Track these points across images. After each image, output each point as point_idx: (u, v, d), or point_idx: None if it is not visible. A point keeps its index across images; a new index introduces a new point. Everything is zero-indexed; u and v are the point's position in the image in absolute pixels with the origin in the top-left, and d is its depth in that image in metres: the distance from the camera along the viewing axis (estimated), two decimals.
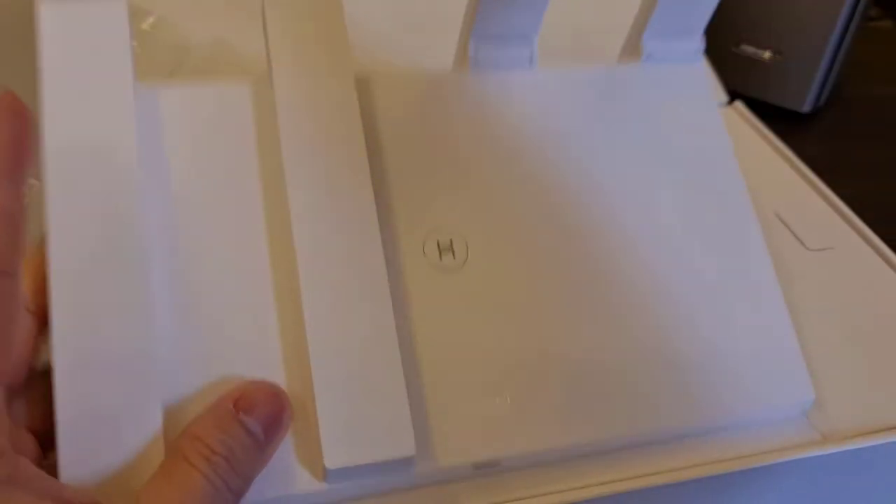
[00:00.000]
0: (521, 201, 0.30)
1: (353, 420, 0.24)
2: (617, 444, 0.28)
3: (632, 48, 0.34)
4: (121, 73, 0.26)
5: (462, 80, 0.31)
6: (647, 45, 0.33)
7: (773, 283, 0.31)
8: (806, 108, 0.60)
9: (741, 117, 0.48)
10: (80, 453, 0.23)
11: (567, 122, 0.32)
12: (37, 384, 0.24)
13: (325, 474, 0.24)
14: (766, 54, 0.60)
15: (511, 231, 0.29)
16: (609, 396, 0.28)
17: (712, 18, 0.61)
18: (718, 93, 0.49)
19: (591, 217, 0.30)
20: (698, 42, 0.34)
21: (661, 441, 0.28)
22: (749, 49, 0.60)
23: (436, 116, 0.31)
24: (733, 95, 0.50)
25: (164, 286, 0.25)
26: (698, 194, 0.32)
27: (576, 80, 0.33)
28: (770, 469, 0.28)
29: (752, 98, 0.60)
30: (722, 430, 0.29)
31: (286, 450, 0.25)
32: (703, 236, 0.31)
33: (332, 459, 0.24)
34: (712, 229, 0.32)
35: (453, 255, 0.28)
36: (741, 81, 0.60)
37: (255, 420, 0.24)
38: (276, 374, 0.25)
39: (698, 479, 0.27)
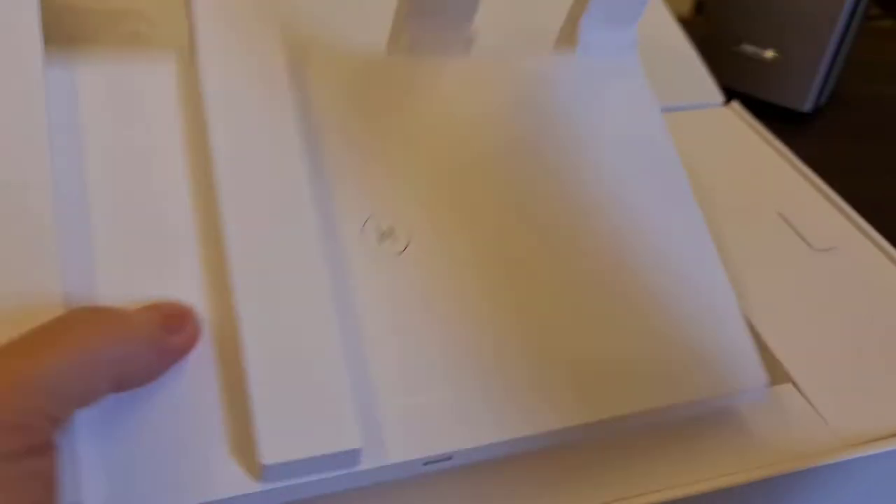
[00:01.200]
0: (461, 189, 0.29)
1: (292, 412, 0.22)
2: (577, 435, 0.26)
3: (568, 35, 0.34)
4: (29, 46, 0.25)
5: (397, 62, 0.30)
6: (583, 34, 0.33)
7: (716, 265, 0.31)
8: (807, 107, 0.59)
9: (738, 117, 0.47)
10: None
11: (503, 111, 0.31)
12: None
13: (261, 472, 0.22)
14: (768, 53, 0.59)
15: (452, 219, 0.28)
16: (566, 384, 0.26)
17: (713, 18, 0.61)
18: (714, 93, 0.49)
19: (532, 205, 0.30)
20: (633, 34, 0.35)
21: (627, 427, 0.27)
22: (750, 48, 0.60)
23: (370, 99, 0.29)
24: (734, 94, 0.49)
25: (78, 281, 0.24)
26: (638, 180, 0.32)
27: (511, 69, 0.32)
28: (780, 478, 0.27)
29: (752, 97, 0.60)
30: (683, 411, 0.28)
31: (216, 447, 0.23)
32: (645, 226, 0.31)
33: (268, 454, 0.22)
34: (654, 218, 0.31)
35: (393, 241, 0.27)
36: (742, 80, 0.60)
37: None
38: (207, 365, 0.24)
39: (711, 493, 0.27)
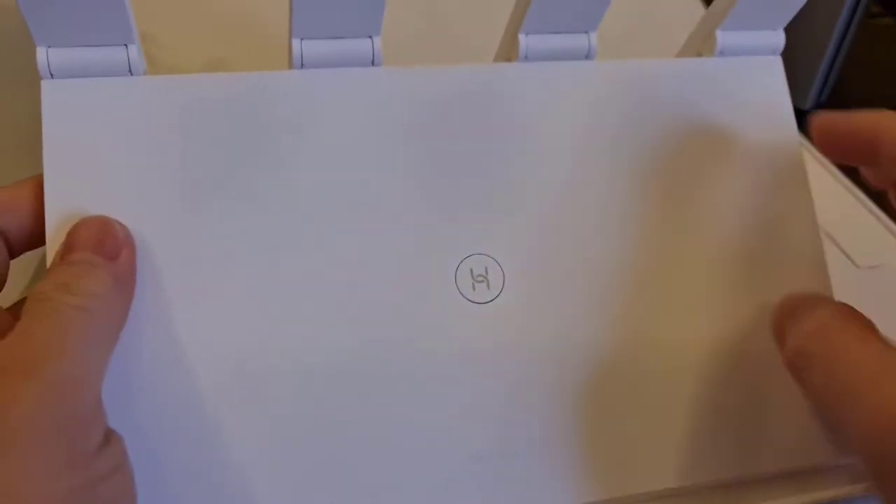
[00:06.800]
0: (568, 215, 0.29)
1: None
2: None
3: (700, 43, 0.32)
4: None
5: (509, 69, 0.29)
6: (721, 40, 0.31)
7: None
8: (808, 105, 0.59)
9: None
10: None
11: (625, 120, 0.30)
12: None
13: None
14: None
15: (552, 254, 0.28)
16: (646, 447, 0.27)
17: None
18: None
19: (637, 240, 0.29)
20: (780, 36, 0.33)
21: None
22: None
23: (476, 110, 0.28)
24: None
25: None
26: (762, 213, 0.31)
27: (640, 73, 0.31)
28: None
29: None
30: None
31: None
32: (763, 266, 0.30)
33: None
34: (774, 260, 0.31)
35: (487, 285, 0.27)
36: None
37: (79, 252, 0.23)
38: None
39: None
